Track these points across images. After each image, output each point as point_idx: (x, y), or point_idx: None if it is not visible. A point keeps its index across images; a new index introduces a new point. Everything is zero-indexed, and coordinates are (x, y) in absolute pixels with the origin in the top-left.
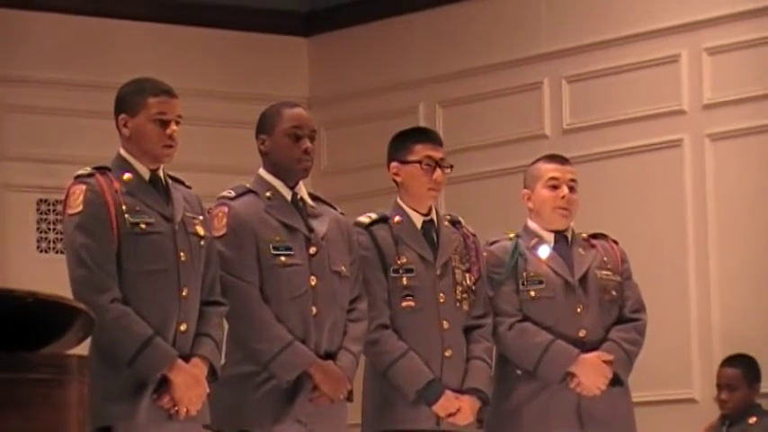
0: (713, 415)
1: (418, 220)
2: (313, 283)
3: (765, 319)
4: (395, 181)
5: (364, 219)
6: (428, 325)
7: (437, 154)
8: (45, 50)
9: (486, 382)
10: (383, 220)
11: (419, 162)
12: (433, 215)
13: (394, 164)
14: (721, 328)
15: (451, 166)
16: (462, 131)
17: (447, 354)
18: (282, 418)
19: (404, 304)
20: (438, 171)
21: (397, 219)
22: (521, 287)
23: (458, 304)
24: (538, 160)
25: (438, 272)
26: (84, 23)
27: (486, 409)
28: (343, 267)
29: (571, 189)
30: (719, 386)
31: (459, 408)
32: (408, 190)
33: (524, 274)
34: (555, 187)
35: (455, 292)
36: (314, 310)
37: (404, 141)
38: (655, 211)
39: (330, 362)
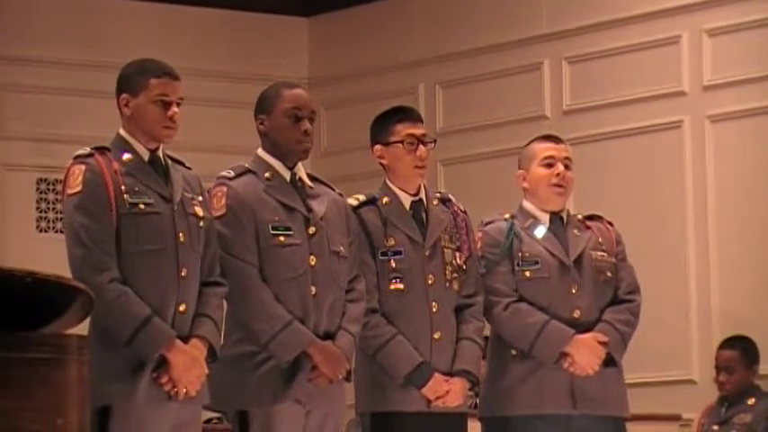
0: (712, 396)
1: (407, 201)
2: (312, 263)
3: (764, 301)
4: (381, 164)
5: (352, 201)
6: (417, 307)
7: (418, 131)
8: (46, 30)
9: (476, 362)
10: (372, 201)
11: (401, 142)
12: (422, 194)
13: (377, 147)
14: (720, 309)
15: (435, 141)
16: (462, 112)
17: (436, 336)
18: (281, 398)
19: (392, 287)
20: (421, 148)
21: (385, 200)
22: (516, 267)
23: (447, 284)
24: (532, 141)
25: (427, 253)
26: (85, 3)
27: (475, 388)
28: (341, 247)
29: (566, 167)
30: (718, 368)
31: (449, 390)
32: (395, 171)
33: (520, 254)
34: (550, 165)
35: (445, 272)
36: (313, 290)
37: (384, 123)
38: (655, 193)
39: (329, 342)
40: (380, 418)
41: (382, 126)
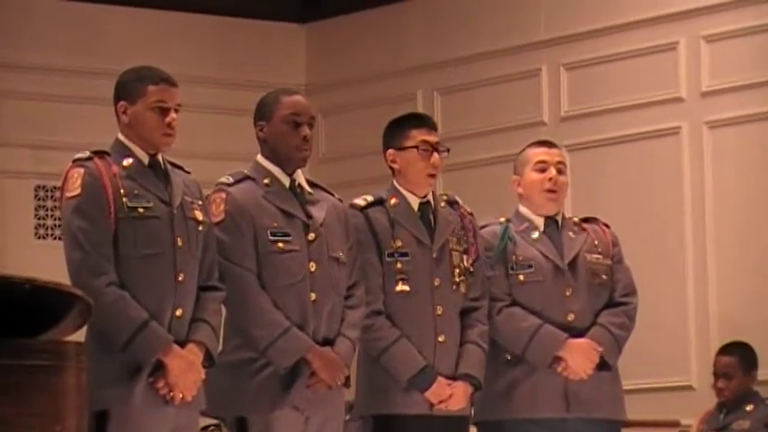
0: (711, 402)
1: (415, 202)
2: (312, 269)
3: (762, 307)
4: (391, 168)
5: (360, 201)
6: (421, 310)
7: (433, 138)
8: (43, 37)
9: (480, 367)
10: (379, 202)
11: (416, 147)
12: (430, 197)
13: (390, 151)
14: (719, 315)
15: (448, 150)
16: (460, 118)
17: (440, 339)
18: (280, 405)
19: (398, 288)
20: (435, 155)
21: (393, 201)
22: (510, 271)
23: (454, 287)
24: (526, 147)
25: (435, 255)
26: (83, 9)
27: (477, 393)
28: (341, 253)
29: (559, 171)
30: (716, 374)
31: (452, 394)
32: (406, 176)
33: (514, 258)
34: (543, 170)
35: (452, 274)
36: (312, 296)
37: (399, 128)
38: (653, 199)
39: (328, 348)
40: (382, 421)
41: (396, 130)
